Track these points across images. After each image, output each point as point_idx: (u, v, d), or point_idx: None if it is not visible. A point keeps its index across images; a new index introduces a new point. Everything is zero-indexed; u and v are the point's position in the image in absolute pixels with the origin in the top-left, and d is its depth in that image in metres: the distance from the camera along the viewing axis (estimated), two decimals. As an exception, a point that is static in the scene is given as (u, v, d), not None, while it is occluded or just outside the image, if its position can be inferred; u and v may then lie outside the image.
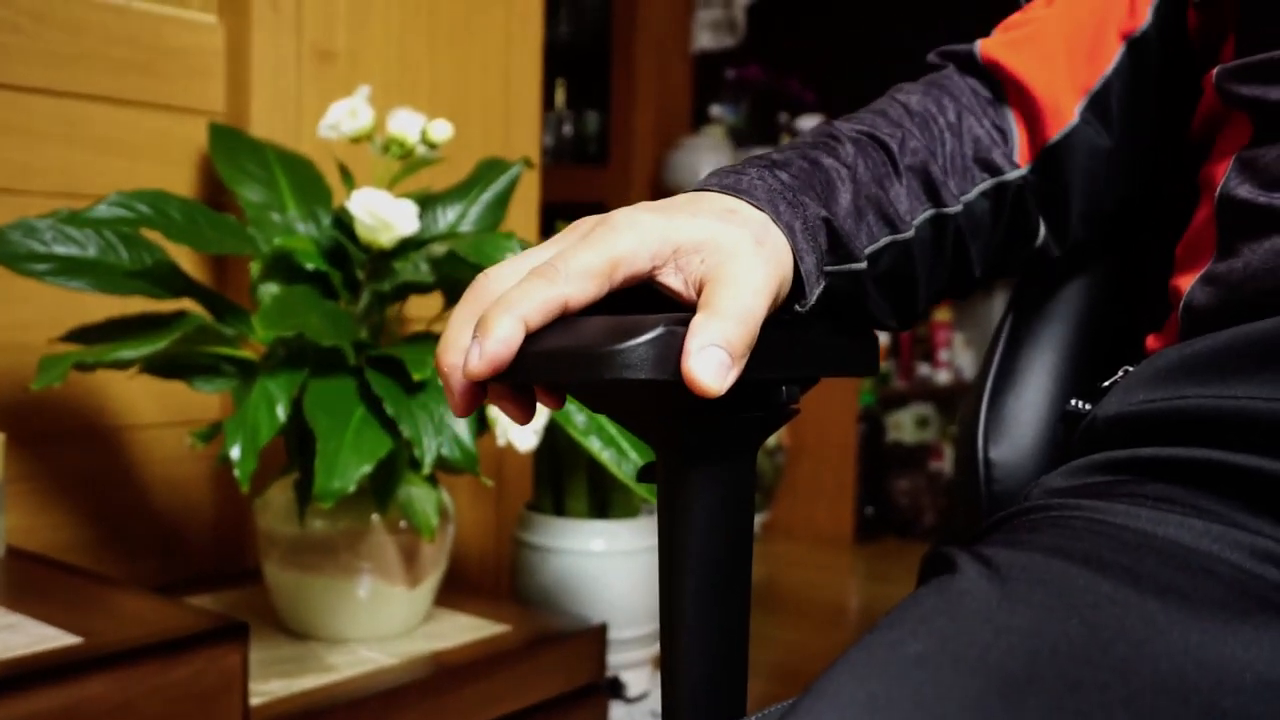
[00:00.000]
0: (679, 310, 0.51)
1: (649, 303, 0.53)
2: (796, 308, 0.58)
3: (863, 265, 0.62)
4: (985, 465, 0.74)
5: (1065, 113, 0.68)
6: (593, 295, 0.50)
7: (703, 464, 0.56)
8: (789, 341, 0.57)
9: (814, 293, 0.58)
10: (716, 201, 0.56)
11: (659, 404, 0.53)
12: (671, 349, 0.48)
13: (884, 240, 0.63)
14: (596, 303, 0.51)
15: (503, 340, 0.48)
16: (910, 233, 0.64)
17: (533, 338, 0.50)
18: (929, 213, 0.65)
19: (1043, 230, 0.71)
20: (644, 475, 0.59)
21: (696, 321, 0.48)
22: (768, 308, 0.51)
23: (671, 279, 0.52)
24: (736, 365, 0.48)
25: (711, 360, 0.47)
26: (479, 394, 0.51)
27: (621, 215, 0.52)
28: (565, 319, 0.50)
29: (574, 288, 0.50)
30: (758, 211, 0.56)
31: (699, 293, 0.51)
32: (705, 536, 0.57)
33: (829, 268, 0.60)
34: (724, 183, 0.58)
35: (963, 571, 0.49)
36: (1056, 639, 0.42)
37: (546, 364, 0.49)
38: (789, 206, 0.58)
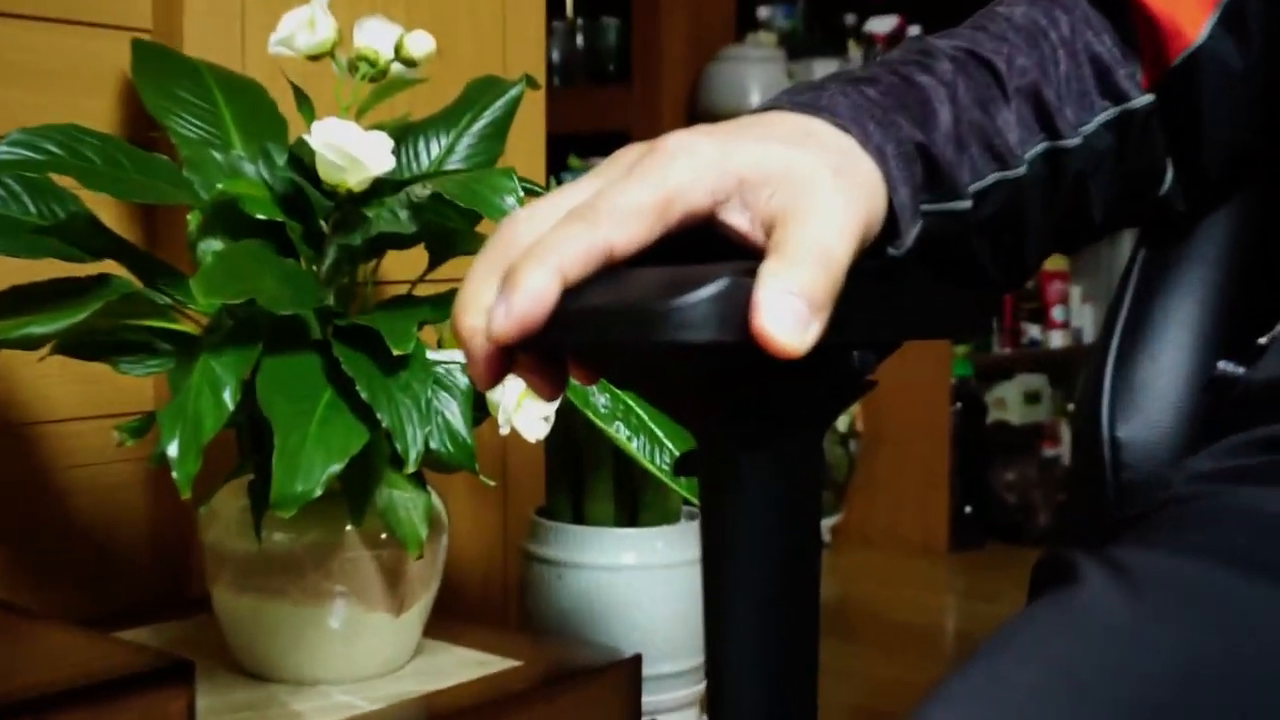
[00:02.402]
0: (746, 258, 0.51)
1: (708, 251, 0.54)
2: (890, 251, 0.58)
3: (968, 204, 0.62)
4: (1112, 448, 0.73)
5: (1188, 29, 0.68)
6: (642, 240, 0.50)
7: (756, 451, 0.56)
8: (878, 294, 0.56)
9: (910, 232, 0.58)
10: (790, 122, 0.56)
11: (715, 374, 0.53)
12: (738, 304, 0.48)
13: (991, 178, 0.64)
14: (647, 250, 0.51)
15: (535, 296, 0.48)
16: (1022, 169, 0.65)
17: (570, 293, 0.50)
18: (1042, 146, 0.66)
19: (1169, 174, 0.71)
20: (683, 467, 0.59)
21: (766, 267, 0.48)
22: (854, 250, 0.51)
23: (736, 217, 0.52)
24: (818, 318, 0.48)
25: (787, 313, 0.47)
26: (506, 362, 0.52)
27: (674, 141, 0.52)
28: (610, 270, 0.51)
29: (620, 231, 0.50)
30: (841, 133, 0.56)
31: (769, 234, 0.51)
32: (760, 543, 0.56)
33: (926, 206, 0.60)
34: (798, 100, 0.58)
35: (1086, 580, 0.49)
36: (1203, 661, 0.42)
37: (589, 324, 0.49)
38: (879, 127, 0.58)
